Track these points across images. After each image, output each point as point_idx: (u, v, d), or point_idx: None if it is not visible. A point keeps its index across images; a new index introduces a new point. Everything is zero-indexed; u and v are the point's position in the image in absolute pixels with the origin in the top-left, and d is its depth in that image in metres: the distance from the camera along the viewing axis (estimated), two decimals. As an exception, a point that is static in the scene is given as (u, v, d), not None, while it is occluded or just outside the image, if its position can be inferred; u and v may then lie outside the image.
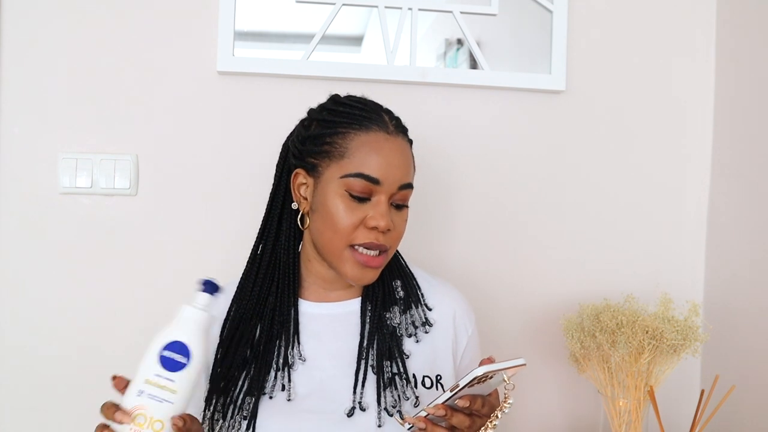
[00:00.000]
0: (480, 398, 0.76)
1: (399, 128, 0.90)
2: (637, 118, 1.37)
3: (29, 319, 1.24)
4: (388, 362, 0.88)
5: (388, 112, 0.91)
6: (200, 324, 0.75)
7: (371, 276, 0.88)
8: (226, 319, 0.92)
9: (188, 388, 0.73)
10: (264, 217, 0.95)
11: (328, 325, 0.92)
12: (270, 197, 0.95)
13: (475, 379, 0.71)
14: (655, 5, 1.37)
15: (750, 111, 1.27)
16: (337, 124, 0.87)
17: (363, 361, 0.88)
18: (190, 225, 1.26)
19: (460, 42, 1.31)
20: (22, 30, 1.22)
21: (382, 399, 0.85)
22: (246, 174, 1.26)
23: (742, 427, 1.23)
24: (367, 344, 0.89)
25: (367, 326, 0.91)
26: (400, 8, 1.28)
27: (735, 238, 1.29)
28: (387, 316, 0.92)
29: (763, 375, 1.19)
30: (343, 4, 1.27)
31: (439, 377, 0.91)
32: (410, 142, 0.93)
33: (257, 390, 0.86)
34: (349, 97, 0.92)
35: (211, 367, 0.90)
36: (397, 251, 0.98)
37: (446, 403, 0.74)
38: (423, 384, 0.89)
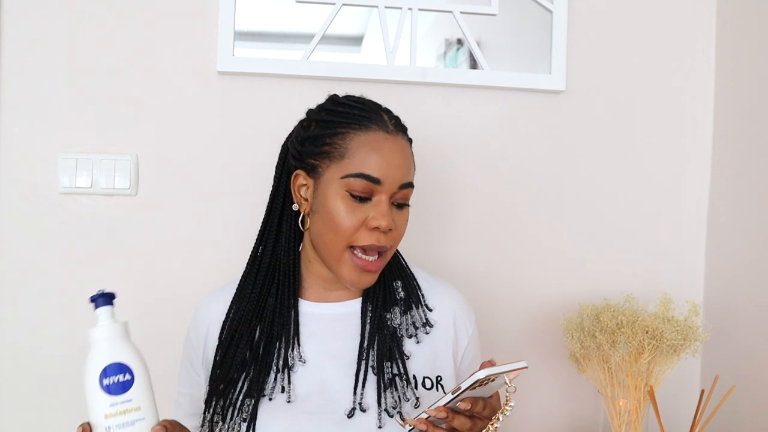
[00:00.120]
0: (481, 400, 0.76)
1: (398, 127, 0.90)
2: (637, 118, 1.37)
3: (29, 318, 1.24)
4: (389, 363, 0.88)
5: (387, 112, 0.91)
6: (116, 336, 0.72)
7: (369, 280, 0.88)
8: (225, 321, 0.92)
9: (149, 396, 0.71)
10: (264, 218, 0.95)
11: (329, 326, 0.91)
12: (270, 198, 0.95)
13: (476, 381, 0.71)
14: (655, 5, 1.37)
15: (750, 111, 1.27)
16: (337, 124, 0.87)
17: (363, 362, 0.87)
18: (190, 225, 1.26)
19: (460, 42, 1.31)
20: (22, 30, 1.22)
21: (383, 400, 0.85)
22: (246, 174, 1.26)
23: (742, 427, 1.23)
24: (367, 345, 0.89)
25: (368, 327, 0.90)
26: (400, 8, 1.28)
27: (735, 238, 1.29)
28: (387, 316, 0.91)
29: (763, 375, 1.19)
30: (343, 4, 1.27)
31: (439, 378, 0.91)
32: (410, 141, 0.92)
33: (257, 392, 0.85)
34: (348, 97, 0.92)
35: (210, 369, 0.90)
36: (398, 251, 0.98)
37: (447, 405, 0.74)
38: (423, 385, 0.89)
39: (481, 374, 0.70)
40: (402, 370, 0.88)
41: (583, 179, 1.36)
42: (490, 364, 0.73)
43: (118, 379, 0.70)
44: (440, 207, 1.32)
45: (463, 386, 0.72)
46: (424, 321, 0.93)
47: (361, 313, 0.92)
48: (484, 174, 1.33)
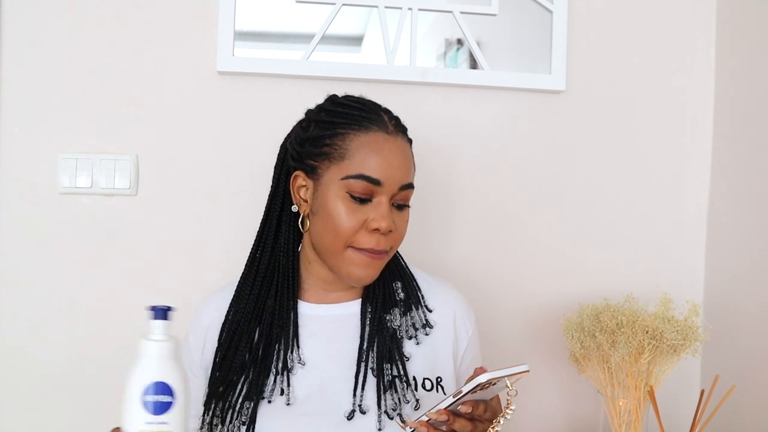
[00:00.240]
0: (482, 403, 0.76)
1: (398, 128, 0.89)
2: (637, 118, 1.37)
3: (29, 319, 1.24)
4: (389, 365, 0.87)
5: (387, 112, 0.90)
6: (168, 355, 0.71)
7: (372, 275, 0.88)
8: (224, 323, 0.92)
9: (183, 421, 0.71)
10: (262, 219, 0.95)
11: (328, 327, 0.91)
12: (269, 199, 0.94)
13: (478, 385, 0.71)
14: (655, 5, 1.37)
15: (750, 111, 1.27)
16: (336, 125, 0.87)
17: (363, 364, 0.87)
18: (190, 225, 1.26)
19: (460, 42, 1.31)
20: (22, 30, 1.22)
21: (383, 402, 0.85)
22: (246, 174, 1.26)
23: (742, 427, 1.23)
24: (367, 346, 0.88)
25: (367, 328, 0.90)
26: (400, 8, 1.28)
27: (735, 238, 1.29)
28: (387, 318, 0.91)
29: (763, 375, 1.19)
30: (343, 4, 1.27)
31: (439, 379, 0.90)
32: (410, 141, 0.92)
33: (256, 394, 0.85)
34: (347, 97, 0.92)
35: (209, 371, 0.90)
36: (398, 252, 0.98)
37: (448, 408, 0.74)
38: (423, 386, 0.89)
39: (483, 378, 0.70)
40: (402, 372, 0.87)
41: (583, 179, 1.36)
42: (482, 370, 0.72)
43: (159, 399, 0.69)
44: (440, 207, 1.32)
45: (465, 390, 0.71)
46: (424, 322, 0.93)
47: (361, 315, 0.92)
48: (484, 174, 1.33)
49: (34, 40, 1.23)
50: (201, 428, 0.88)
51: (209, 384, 0.89)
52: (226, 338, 0.90)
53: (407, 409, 0.85)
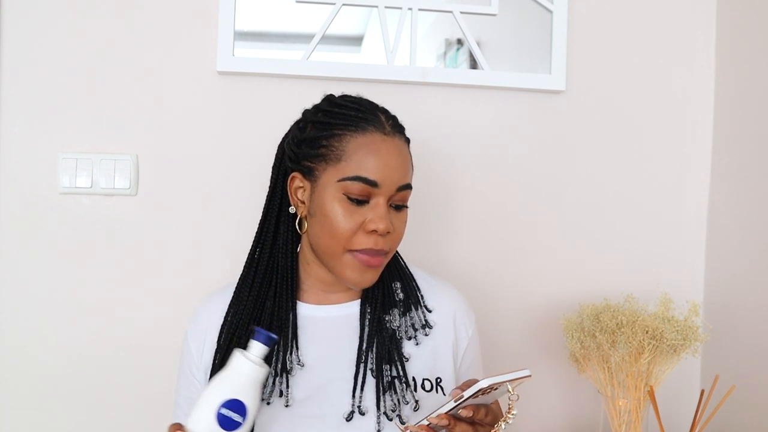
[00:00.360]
0: (483, 408, 0.76)
1: (396, 128, 0.89)
2: (637, 119, 1.37)
3: (29, 318, 1.24)
4: (388, 366, 0.87)
5: (384, 112, 0.90)
6: (258, 380, 0.75)
7: (371, 278, 0.88)
8: (223, 324, 0.91)
9: None
10: (261, 220, 0.94)
11: (327, 328, 0.91)
12: (266, 200, 0.94)
13: (479, 390, 0.71)
14: (656, 6, 1.37)
15: (750, 111, 1.26)
16: (333, 126, 0.86)
17: (362, 365, 0.87)
18: (190, 225, 1.26)
19: (460, 42, 1.31)
20: (22, 30, 1.22)
21: (382, 403, 0.84)
22: (246, 174, 1.26)
23: (742, 427, 1.23)
24: (366, 347, 0.88)
25: (367, 329, 0.90)
26: (400, 8, 1.28)
27: (735, 238, 1.29)
28: (387, 318, 0.91)
29: (763, 375, 1.19)
30: (343, 4, 1.27)
31: (439, 380, 0.90)
32: (407, 141, 0.91)
33: None
34: (344, 97, 0.91)
35: (209, 372, 0.90)
36: (397, 252, 0.97)
37: (449, 413, 0.74)
38: (423, 387, 0.89)
39: (485, 383, 0.70)
40: (401, 373, 0.87)
41: (583, 179, 1.36)
42: (468, 385, 0.72)
43: (232, 416, 0.72)
44: (440, 207, 1.32)
45: (466, 395, 0.71)
46: (424, 322, 0.93)
47: (360, 316, 0.91)
48: (484, 174, 1.33)
49: (34, 40, 1.23)
50: None
51: None
52: (225, 339, 0.89)
53: (406, 410, 0.85)
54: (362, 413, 0.84)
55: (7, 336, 1.23)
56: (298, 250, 0.95)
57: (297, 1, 1.27)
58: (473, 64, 1.31)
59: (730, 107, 1.33)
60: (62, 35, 1.23)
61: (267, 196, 0.94)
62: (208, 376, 0.89)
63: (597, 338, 1.09)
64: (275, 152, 0.95)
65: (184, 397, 0.95)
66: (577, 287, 1.34)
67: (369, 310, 0.91)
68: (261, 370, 0.75)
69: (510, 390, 0.74)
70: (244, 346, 0.88)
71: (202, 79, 1.26)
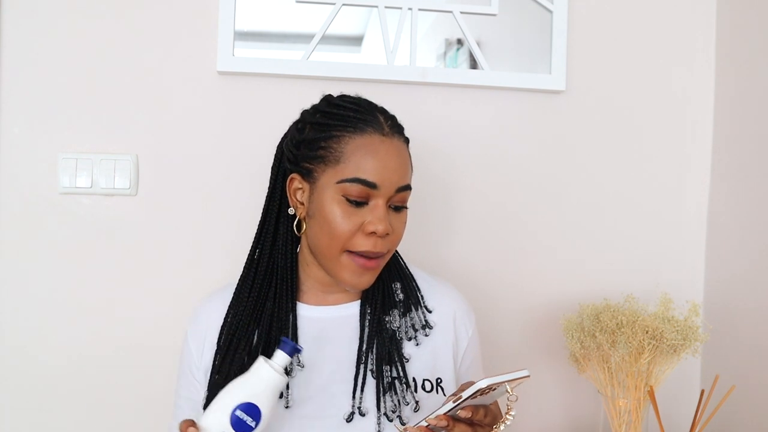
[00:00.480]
0: (482, 408, 0.76)
1: (394, 128, 0.88)
2: (637, 118, 1.37)
3: (29, 318, 1.24)
4: (388, 366, 0.87)
5: (383, 112, 0.89)
6: (275, 387, 0.75)
7: (368, 280, 0.88)
8: (223, 325, 0.91)
9: None
10: (260, 221, 0.94)
11: (327, 329, 0.91)
12: (266, 201, 0.94)
13: (478, 390, 0.70)
14: (655, 6, 1.37)
15: (750, 111, 1.26)
16: (331, 127, 0.86)
17: (362, 366, 0.87)
18: (190, 225, 1.26)
19: (460, 42, 1.31)
20: (22, 30, 1.22)
21: (382, 404, 0.84)
22: (246, 174, 1.26)
23: (742, 427, 1.23)
24: (366, 348, 0.88)
25: (367, 330, 0.90)
26: (400, 8, 1.28)
27: (735, 238, 1.29)
28: (386, 319, 0.90)
29: (763, 375, 1.19)
30: (343, 4, 1.27)
31: (439, 380, 0.90)
32: (407, 141, 0.91)
33: None
34: (343, 98, 0.91)
35: (209, 373, 0.90)
36: (397, 252, 0.97)
37: (448, 414, 0.74)
38: (423, 387, 0.89)
39: (483, 384, 0.70)
40: (401, 374, 0.87)
41: (583, 179, 1.36)
42: (469, 385, 0.72)
43: (246, 420, 0.73)
44: (440, 207, 1.32)
45: (465, 395, 0.71)
46: (424, 323, 0.93)
47: (360, 316, 0.91)
48: (484, 174, 1.33)
49: (34, 40, 1.23)
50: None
51: (208, 386, 0.88)
52: (225, 341, 0.89)
53: (407, 411, 0.85)
54: (362, 414, 0.84)
55: (7, 336, 1.23)
56: (298, 250, 0.94)
57: (297, 1, 1.27)
58: (473, 64, 1.31)
59: (730, 107, 1.33)
60: (62, 35, 1.23)
61: (266, 196, 0.94)
62: (208, 377, 0.89)
63: (597, 338, 1.09)
64: (274, 153, 0.95)
65: (183, 397, 0.95)
66: (577, 287, 1.34)
67: (369, 311, 0.91)
68: (281, 379, 0.75)
69: (509, 390, 0.74)
70: (244, 347, 0.88)
71: (202, 79, 1.26)
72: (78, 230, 1.24)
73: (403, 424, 0.83)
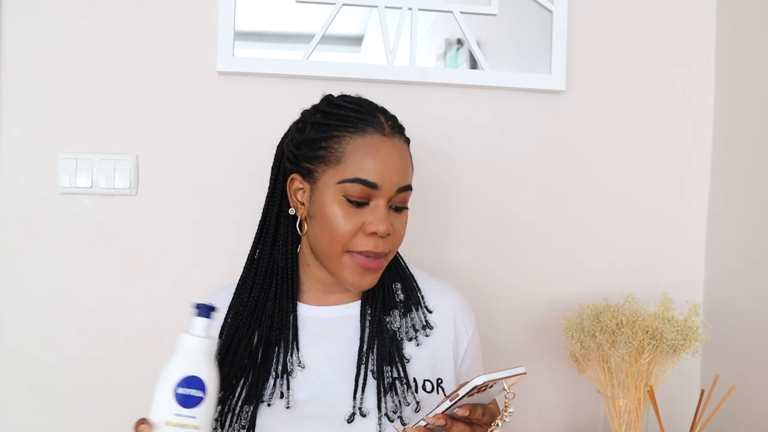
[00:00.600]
0: (480, 407, 0.75)
1: (395, 128, 0.88)
2: (637, 118, 1.37)
3: (29, 318, 1.24)
4: (389, 367, 0.87)
5: (384, 112, 0.89)
6: (206, 352, 0.73)
7: (370, 281, 0.88)
8: (223, 326, 0.91)
9: (209, 419, 0.72)
10: (260, 221, 0.94)
11: (328, 329, 0.91)
12: (266, 201, 0.94)
13: (474, 388, 0.70)
14: (655, 6, 1.37)
15: (750, 111, 1.26)
16: (332, 127, 0.86)
17: (363, 366, 0.87)
18: (190, 225, 1.26)
19: (460, 42, 1.31)
20: (22, 30, 1.22)
21: (383, 404, 0.84)
22: (246, 174, 1.26)
23: (742, 427, 1.23)
24: (367, 349, 0.88)
25: (367, 330, 0.89)
26: (400, 8, 1.28)
27: (735, 238, 1.29)
28: (387, 320, 0.90)
29: (763, 375, 1.19)
30: (343, 4, 1.27)
31: (440, 381, 0.90)
32: (407, 141, 0.91)
33: (255, 398, 0.84)
34: (343, 98, 0.91)
35: None
36: (398, 252, 0.97)
37: (446, 413, 0.74)
38: (424, 388, 0.88)
39: (480, 381, 0.70)
40: (402, 374, 0.87)
41: (583, 179, 1.36)
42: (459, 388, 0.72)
43: (191, 393, 0.71)
44: (440, 207, 1.32)
45: (461, 393, 0.71)
46: (424, 323, 0.93)
47: (360, 317, 0.91)
48: (484, 174, 1.33)
49: (34, 40, 1.23)
50: None
51: None
52: (225, 341, 0.89)
53: (408, 412, 0.85)
54: (363, 415, 0.84)
55: (7, 336, 1.23)
56: (298, 250, 0.94)
57: (297, 1, 1.27)
58: (473, 64, 1.31)
59: (730, 107, 1.33)
60: (62, 35, 1.23)
61: (266, 196, 0.94)
62: None
63: (597, 338, 1.09)
64: (275, 153, 0.95)
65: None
66: (577, 287, 1.34)
67: (369, 312, 0.91)
68: (208, 341, 0.73)
69: (506, 388, 0.74)
70: (245, 347, 0.88)
71: (202, 79, 1.26)
72: (78, 230, 1.24)
73: (403, 424, 0.83)
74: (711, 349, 1.34)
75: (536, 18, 1.32)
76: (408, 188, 0.87)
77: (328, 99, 0.92)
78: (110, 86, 1.24)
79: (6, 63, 1.22)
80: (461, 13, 1.29)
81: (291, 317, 0.90)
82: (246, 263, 0.94)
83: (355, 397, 0.85)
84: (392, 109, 0.92)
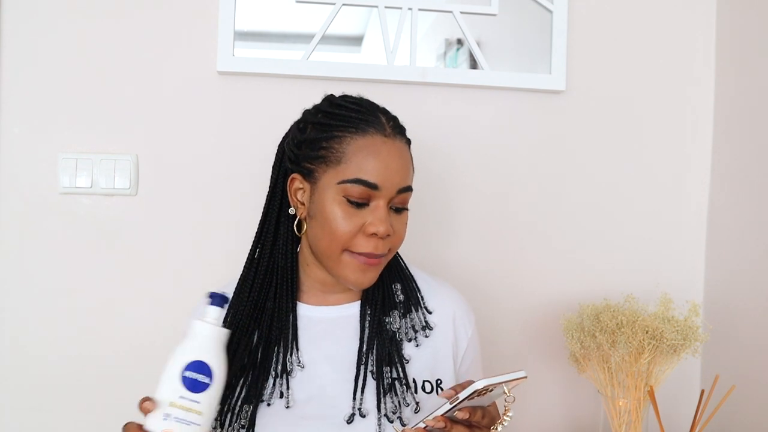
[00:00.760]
0: (480, 410, 0.75)
1: (396, 129, 0.88)
2: (637, 118, 1.37)
3: (29, 318, 1.24)
4: (388, 368, 0.87)
5: (385, 113, 0.89)
6: (217, 339, 0.74)
7: (371, 278, 0.88)
8: (223, 325, 0.91)
9: (213, 408, 0.73)
10: (260, 220, 0.94)
11: (327, 329, 0.91)
12: (266, 200, 0.94)
13: (475, 392, 0.70)
14: (655, 5, 1.37)
15: (750, 111, 1.27)
16: (333, 127, 0.85)
17: (363, 367, 0.87)
18: (190, 225, 1.26)
19: (460, 42, 1.31)
20: (22, 30, 1.22)
21: (382, 405, 0.84)
22: (246, 174, 1.26)
23: (742, 427, 1.23)
24: (366, 349, 0.88)
25: (367, 331, 0.89)
26: (400, 8, 1.28)
27: (735, 238, 1.29)
28: (386, 320, 0.90)
29: (763, 375, 1.19)
30: (343, 4, 1.27)
31: (439, 381, 0.90)
32: (408, 142, 0.91)
33: (255, 397, 0.84)
34: (345, 98, 0.91)
35: None
36: (397, 252, 0.97)
37: (445, 415, 0.74)
38: (423, 389, 0.88)
39: (480, 385, 0.70)
40: (401, 375, 0.87)
41: (583, 179, 1.36)
42: (463, 386, 0.72)
43: (198, 378, 0.72)
44: (440, 207, 1.32)
45: (461, 396, 0.71)
46: (424, 324, 0.92)
47: (360, 317, 0.91)
48: (484, 174, 1.33)
49: (35, 41, 1.23)
50: None
51: None
52: None
53: (407, 412, 0.85)
54: (363, 415, 0.84)
55: (7, 335, 1.23)
56: (298, 250, 0.94)
57: (297, 1, 1.27)
58: (473, 64, 1.31)
59: (730, 107, 1.33)
60: (62, 35, 1.23)
61: (267, 196, 0.94)
62: None
63: (597, 338, 1.09)
64: (275, 152, 0.95)
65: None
66: (577, 287, 1.34)
67: (369, 312, 0.91)
68: (220, 330, 0.75)
69: (506, 392, 0.74)
70: (244, 347, 0.88)
71: (202, 79, 1.26)
72: (78, 230, 1.24)
73: (403, 425, 0.83)
74: (711, 349, 1.34)
75: (536, 18, 1.32)
76: (408, 189, 0.87)
77: (329, 99, 0.92)
78: (110, 86, 1.24)
79: (6, 63, 1.22)
80: (461, 13, 1.29)
81: (291, 317, 0.90)
82: (246, 263, 0.94)
83: (354, 398, 0.85)
84: (392, 109, 0.92)
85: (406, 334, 0.91)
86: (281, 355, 0.87)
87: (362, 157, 0.83)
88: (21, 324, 1.24)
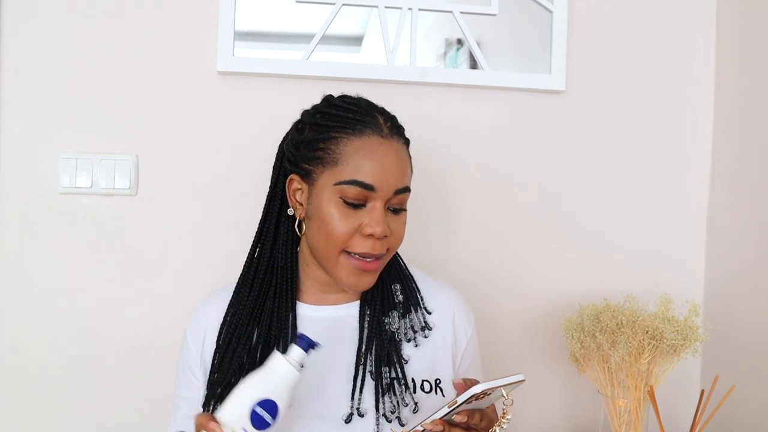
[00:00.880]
0: (478, 412, 0.75)
1: (394, 130, 0.88)
2: (637, 118, 1.37)
3: (29, 318, 1.24)
4: (387, 368, 0.87)
5: (383, 113, 0.89)
6: (292, 383, 0.75)
7: (368, 282, 0.88)
8: (222, 324, 0.91)
9: None
10: (260, 220, 0.94)
11: (327, 329, 0.91)
12: (267, 200, 0.94)
13: (473, 395, 0.70)
14: (655, 5, 1.37)
15: (750, 111, 1.26)
16: (330, 128, 0.86)
17: (361, 367, 0.87)
18: (190, 225, 1.26)
19: (460, 42, 1.31)
20: (22, 30, 1.22)
21: (381, 405, 0.84)
22: (246, 174, 1.26)
23: (742, 427, 1.23)
24: (365, 350, 0.88)
25: (366, 331, 0.90)
26: (400, 8, 1.28)
27: (735, 238, 1.29)
28: (386, 321, 0.90)
29: (763, 375, 1.19)
30: (343, 4, 1.27)
31: (438, 381, 0.90)
32: (407, 142, 0.91)
33: None
34: (343, 98, 0.91)
35: (208, 372, 0.90)
36: (397, 253, 0.97)
37: (443, 418, 0.74)
38: (422, 388, 0.88)
39: (478, 389, 0.70)
40: (400, 375, 0.87)
41: (583, 179, 1.36)
42: (465, 386, 0.72)
43: (265, 417, 0.72)
44: (440, 207, 1.32)
45: (460, 400, 0.71)
46: (423, 324, 0.92)
47: (359, 317, 0.91)
48: (484, 174, 1.33)
49: (34, 41, 1.23)
50: None
51: (207, 385, 0.88)
52: (224, 339, 0.89)
53: (405, 412, 0.85)
54: (361, 415, 0.84)
55: (7, 335, 1.23)
56: (298, 250, 0.94)
57: (297, 1, 1.27)
58: (473, 64, 1.31)
59: (730, 107, 1.33)
60: (62, 35, 1.23)
61: (267, 196, 0.94)
62: (208, 376, 0.89)
63: (597, 338, 1.09)
64: (275, 152, 0.95)
65: (182, 397, 0.95)
66: (577, 287, 1.34)
67: (368, 312, 0.91)
68: (298, 375, 0.75)
69: (504, 395, 0.74)
70: (244, 346, 0.88)
71: (202, 79, 1.26)
72: (78, 230, 1.24)
73: (402, 425, 0.83)
74: (711, 349, 1.34)
75: (536, 18, 1.32)
76: (406, 190, 0.87)
77: (327, 99, 0.92)
78: (110, 86, 1.24)
79: (6, 63, 1.22)
80: (461, 13, 1.29)
81: (290, 317, 0.90)
82: (246, 262, 0.94)
83: (353, 398, 0.85)
84: (392, 109, 0.92)
85: (406, 334, 0.91)
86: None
87: (359, 158, 0.83)
88: (21, 324, 1.24)
